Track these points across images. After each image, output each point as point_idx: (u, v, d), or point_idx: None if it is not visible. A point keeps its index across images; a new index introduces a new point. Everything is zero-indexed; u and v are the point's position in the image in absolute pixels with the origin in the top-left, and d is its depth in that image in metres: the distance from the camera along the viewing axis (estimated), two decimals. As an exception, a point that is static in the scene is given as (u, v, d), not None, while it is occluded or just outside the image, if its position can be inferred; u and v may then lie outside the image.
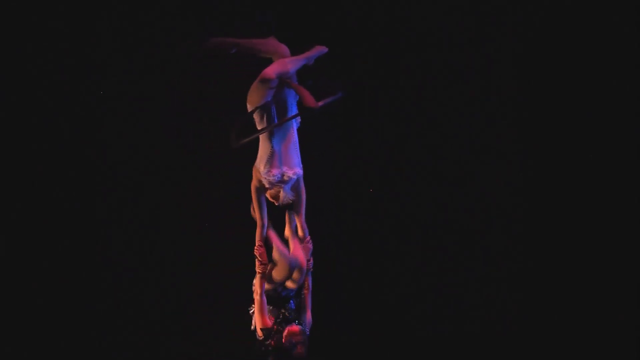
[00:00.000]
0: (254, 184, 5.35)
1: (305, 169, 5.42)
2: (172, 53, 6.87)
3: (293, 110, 5.30)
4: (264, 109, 5.18)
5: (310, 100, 4.97)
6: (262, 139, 5.25)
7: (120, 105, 7.09)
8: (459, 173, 7.36)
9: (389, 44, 7.24)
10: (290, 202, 5.40)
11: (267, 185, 5.29)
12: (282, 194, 5.32)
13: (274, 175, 5.24)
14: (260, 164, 5.29)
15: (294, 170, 5.29)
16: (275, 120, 5.22)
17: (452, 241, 7.36)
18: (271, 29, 5.32)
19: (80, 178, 7.06)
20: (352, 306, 7.32)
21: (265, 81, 5.02)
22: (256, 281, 5.34)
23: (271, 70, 5.02)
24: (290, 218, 5.52)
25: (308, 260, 5.45)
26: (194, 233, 7.22)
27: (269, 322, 5.28)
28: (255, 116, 5.21)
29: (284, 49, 5.23)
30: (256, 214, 5.37)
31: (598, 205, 7.08)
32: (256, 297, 5.31)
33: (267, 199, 5.45)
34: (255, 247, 5.35)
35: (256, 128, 5.28)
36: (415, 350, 7.32)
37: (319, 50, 5.25)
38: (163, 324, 7.19)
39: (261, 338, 5.29)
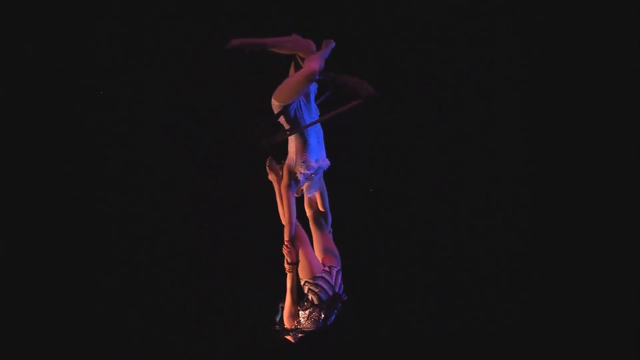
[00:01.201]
0: (285, 182, 5.36)
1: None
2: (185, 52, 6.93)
3: (314, 102, 5.36)
4: (294, 104, 5.22)
5: (368, 87, 5.01)
6: (297, 133, 5.31)
7: (130, 106, 7.12)
8: (460, 173, 7.37)
9: (392, 43, 7.24)
10: (315, 193, 5.52)
11: (300, 179, 5.34)
12: (308, 186, 5.42)
13: (312, 167, 5.31)
14: (297, 158, 5.32)
15: (326, 161, 5.41)
16: (305, 113, 5.27)
17: (453, 241, 7.38)
18: (290, 26, 5.34)
19: (81, 179, 7.08)
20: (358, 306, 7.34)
21: (312, 76, 5.03)
22: (287, 280, 5.34)
23: (316, 65, 5.03)
24: (312, 209, 5.58)
25: None
26: (205, 233, 7.27)
27: (293, 324, 5.31)
28: (285, 112, 5.23)
29: (312, 44, 5.24)
30: (287, 212, 5.34)
31: (599, 206, 7.09)
32: (287, 296, 5.32)
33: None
34: (284, 246, 5.33)
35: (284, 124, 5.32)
36: (416, 350, 7.34)
37: (331, 44, 5.28)
38: (165, 324, 7.22)
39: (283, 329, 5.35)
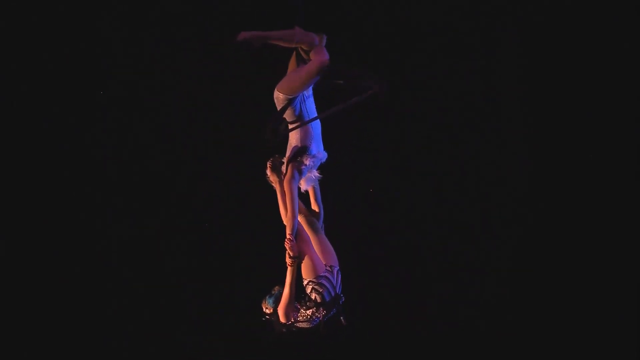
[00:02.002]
0: (289, 176, 5.37)
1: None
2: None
3: (312, 94, 5.41)
4: (299, 96, 5.28)
5: (381, 81, 5.08)
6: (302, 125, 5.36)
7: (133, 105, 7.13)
8: (459, 173, 7.37)
9: (390, 42, 7.24)
10: (309, 187, 5.55)
11: (303, 171, 5.37)
12: (306, 179, 5.45)
13: (315, 159, 5.38)
14: (301, 150, 5.36)
15: (324, 153, 5.47)
16: (308, 106, 5.32)
17: (452, 241, 7.37)
18: (296, 19, 5.36)
19: (81, 179, 7.09)
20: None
21: (324, 67, 5.11)
22: (288, 274, 5.33)
23: (326, 56, 5.14)
24: (302, 213, 5.57)
25: None
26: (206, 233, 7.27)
27: (290, 319, 5.31)
28: (291, 105, 5.27)
29: (315, 36, 5.27)
30: (290, 205, 5.35)
31: (599, 206, 7.09)
32: (285, 289, 5.32)
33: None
34: (286, 240, 5.33)
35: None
36: (416, 350, 7.34)
37: (324, 38, 5.32)
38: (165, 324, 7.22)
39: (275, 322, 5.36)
